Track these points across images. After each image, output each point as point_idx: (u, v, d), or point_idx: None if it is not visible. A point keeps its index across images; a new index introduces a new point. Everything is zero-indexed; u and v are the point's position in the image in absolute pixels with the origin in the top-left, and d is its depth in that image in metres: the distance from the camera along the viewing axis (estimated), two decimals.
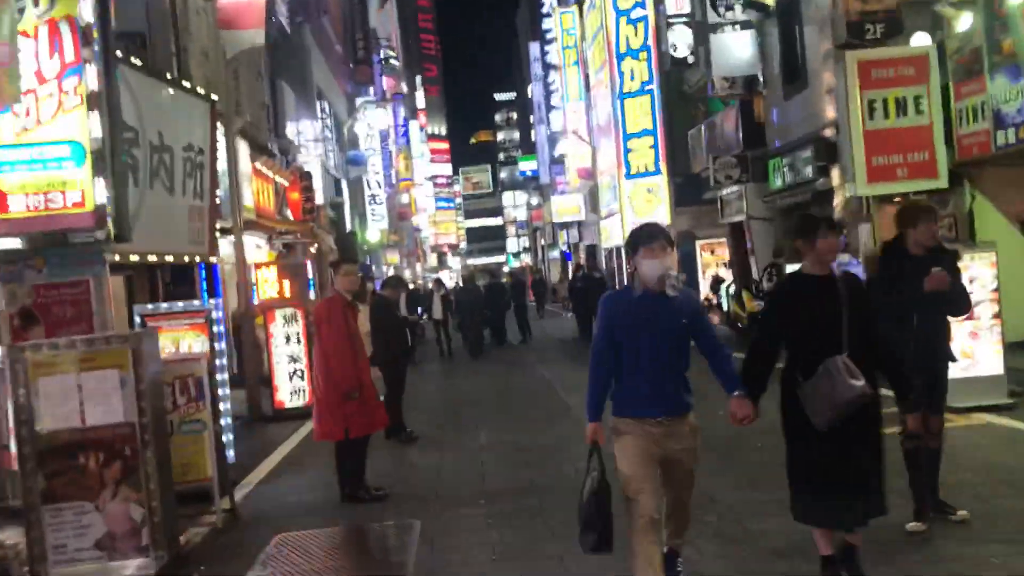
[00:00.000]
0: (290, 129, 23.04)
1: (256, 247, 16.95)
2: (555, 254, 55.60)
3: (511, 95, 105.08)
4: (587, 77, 38.74)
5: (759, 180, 18.93)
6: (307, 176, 18.55)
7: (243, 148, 15.07)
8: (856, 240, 14.21)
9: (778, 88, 17.95)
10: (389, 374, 9.84)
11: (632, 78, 30.92)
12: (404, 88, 61.92)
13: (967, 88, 11.18)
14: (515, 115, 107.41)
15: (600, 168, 36.26)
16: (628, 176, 30.75)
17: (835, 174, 15.44)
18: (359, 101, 30.63)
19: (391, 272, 39.31)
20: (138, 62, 9.54)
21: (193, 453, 6.43)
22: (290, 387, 12.53)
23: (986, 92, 10.75)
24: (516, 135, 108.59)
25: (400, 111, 48.50)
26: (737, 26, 18.90)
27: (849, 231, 14.79)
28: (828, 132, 15.60)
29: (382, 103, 31.48)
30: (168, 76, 10.60)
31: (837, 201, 15.46)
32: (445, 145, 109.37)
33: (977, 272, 8.68)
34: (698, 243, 29.30)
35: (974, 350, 8.64)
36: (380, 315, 9.78)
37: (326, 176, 27.44)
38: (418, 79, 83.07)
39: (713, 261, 29.63)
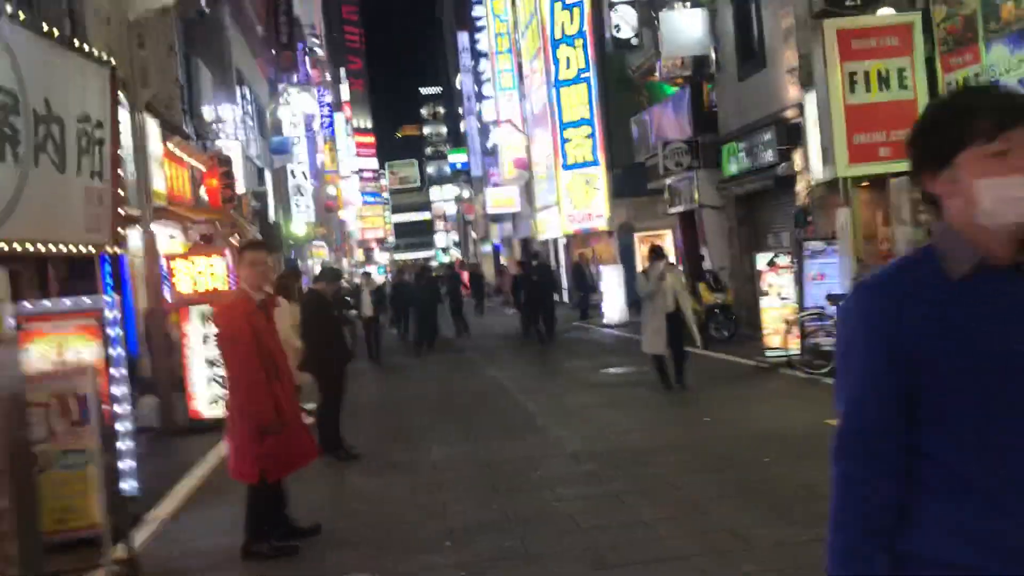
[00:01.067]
0: (208, 112, 21.31)
1: (170, 238, 15.32)
2: (487, 248, 54.38)
3: (437, 89, 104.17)
4: (520, 66, 37.58)
5: (711, 167, 17.98)
6: (226, 161, 16.89)
7: (153, 126, 13.44)
8: (830, 227, 13.28)
9: (732, 69, 16.98)
10: (325, 383, 8.45)
11: (568, 66, 29.92)
12: (328, 79, 60.01)
13: (957, 59, 10.27)
14: (442, 109, 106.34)
15: (535, 159, 35.16)
16: (565, 167, 29.75)
17: (798, 158, 14.52)
18: (282, 86, 28.87)
19: (319, 268, 37.65)
20: (18, 15, 7.95)
21: (76, 493, 4.98)
22: (208, 394, 11.04)
23: (980, 63, 9.84)
24: (443, 129, 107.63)
25: (325, 98, 46.65)
26: (688, 3, 17.91)
27: (818, 217, 13.89)
28: (790, 114, 14.68)
29: (307, 86, 29.74)
30: (56, 33, 9.00)
31: (800, 187, 14.54)
32: (371, 139, 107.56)
33: None
34: (636, 235, 28.46)
35: None
36: (313, 314, 8.39)
37: (248, 164, 25.71)
38: (342, 71, 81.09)
39: None
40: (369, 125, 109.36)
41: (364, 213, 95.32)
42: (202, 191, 16.62)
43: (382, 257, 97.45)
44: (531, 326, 18.95)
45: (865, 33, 10.74)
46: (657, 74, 20.69)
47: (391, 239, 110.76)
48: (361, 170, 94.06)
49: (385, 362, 16.92)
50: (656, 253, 11.03)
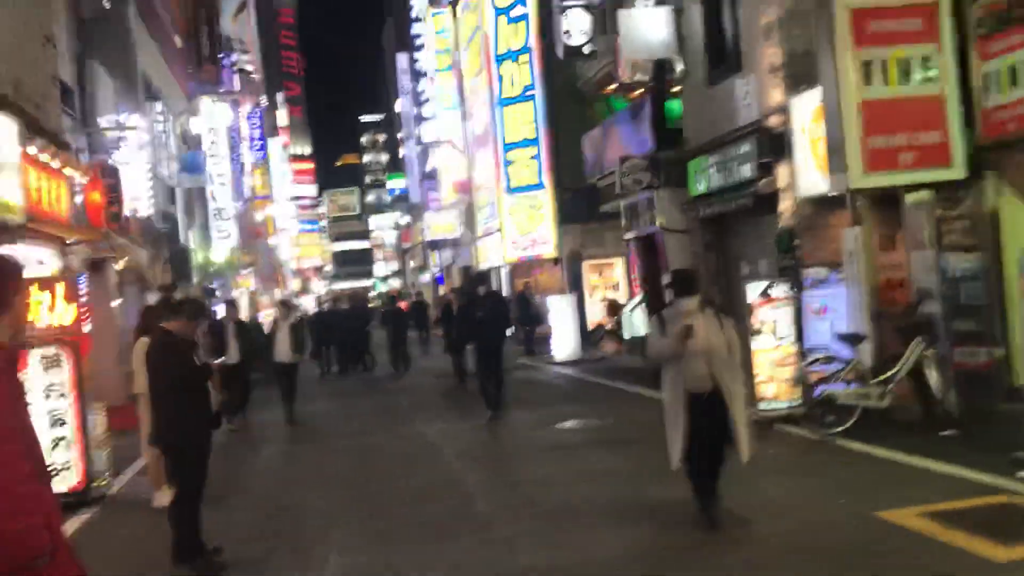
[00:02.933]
0: (106, 122, 18.68)
1: (39, 263, 12.68)
2: (426, 277, 51.94)
3: (378, 117, 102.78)
4: (462, 85, 35.52)
5: (675, 186, 15.92)
6: (111, 172, 14.26)
7: (5, 124, 10.86)
8: (820, 252, 11.26)
9: (701, 74, 14.97)
10: (179, 463, 6.03)
11: (512, 83, 27.92)
12: (264, 102, 57.40)
13: (999, 44, 8.33)
14: (383, 137, 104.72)
15: (477, 182, 33.01)
16: (508, 190, 27.64)
17: (782, 172, 12.50)
18: (203, 98, 26.22)
19: (244, 301, 34.77)
20: None
21: None
22: (49, 462, 8.48)
23: None
24: (384, 158, 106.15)
25: (255, 117, 43.97)
26: (650, 2, 15.90)
27: (806, 241, 11.87)
28: (773, 121, 12.68)
29: (224, 95, 27.09)
30: None
31: (785, 205, 12.51)
32: (310, 166, 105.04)
33: None
34: (585, 264, 26.55)
35: None
36: (163, 364, 5.96)
37: (157, 184, 23.06)
38: (280, 97, 78.57)
39: (601, 283, 26.94)
40: (308, 152, 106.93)
41: (301, 241, 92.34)
42: (82, 208, 14.01)
43: (319, 286, 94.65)
44: (464, 369, 15.60)
45: (884, 14, 8.76)
46: (614, 85, 18.72)
47: (329, 268, 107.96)
48: (299, 197, 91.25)
49: (293, 425, 12.87)
50: (683, 283, 6.38)
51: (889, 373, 8.50)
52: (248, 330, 13.53)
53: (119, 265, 13.29)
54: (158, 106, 25.32)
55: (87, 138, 17.53)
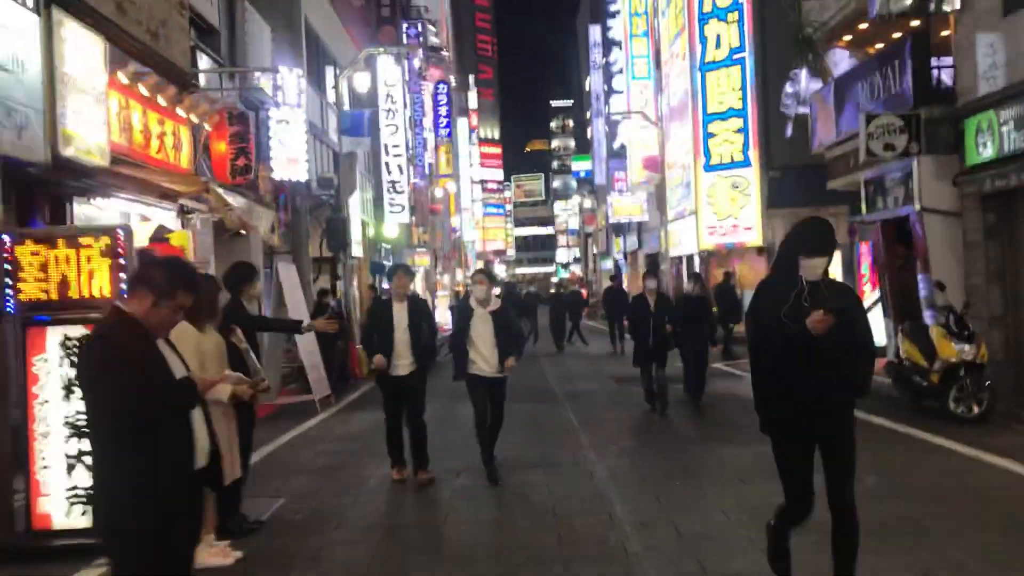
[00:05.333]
0: (266, 75, 16.66)
1: (140, 218, 10.55)
2: (608, 264, 48.79)
3: (568, 102, 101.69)
4: (658, 53, 32.08)
5: (941, 152, 12.09)
6: (240, 119, 11.95)
7: (86, 40, 8.62)
8: None
9: (989, 1, 11.07)
10: (123, 556, 3.29)
11: (718, 44, 24.35)
12: (453, 82, 55.96)
13: None
14: (571, 122, 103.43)
15: (670, 160, 29.53)
16: (707, 168, 24.10)
17: None
18: (367, 51, 24.13)
19: (419, 281, 32.80)
20: None
21: None
22: (67, 487, 6.07)
23: None
24: (571, 143, 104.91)
25: (441, 94, 42.17)
26: None
27: None
28: None
29: (393, 48, 24.86)
30: None
31: None
32: (497, 150, 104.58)
33: None
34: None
35: None
36: (100, 372, 3.20)
37: (317, 146, 21.11)
38: (471, 79, 77.68)
39: None
40: (497, 136, 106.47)
41: (485, 224, 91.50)
42: (206, 157, 11.82)
43: (500, 270, 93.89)
44: (662, 393, 11.04)
45: None
46: (854, 31, 14.88)
47: (511, 252, 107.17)
48: (485, 181, 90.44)
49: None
50: None
51: None
52: (426, 315, 8.26)
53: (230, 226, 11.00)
54: (330, 69, 23.51)
55: (235, 87, 15.55)
